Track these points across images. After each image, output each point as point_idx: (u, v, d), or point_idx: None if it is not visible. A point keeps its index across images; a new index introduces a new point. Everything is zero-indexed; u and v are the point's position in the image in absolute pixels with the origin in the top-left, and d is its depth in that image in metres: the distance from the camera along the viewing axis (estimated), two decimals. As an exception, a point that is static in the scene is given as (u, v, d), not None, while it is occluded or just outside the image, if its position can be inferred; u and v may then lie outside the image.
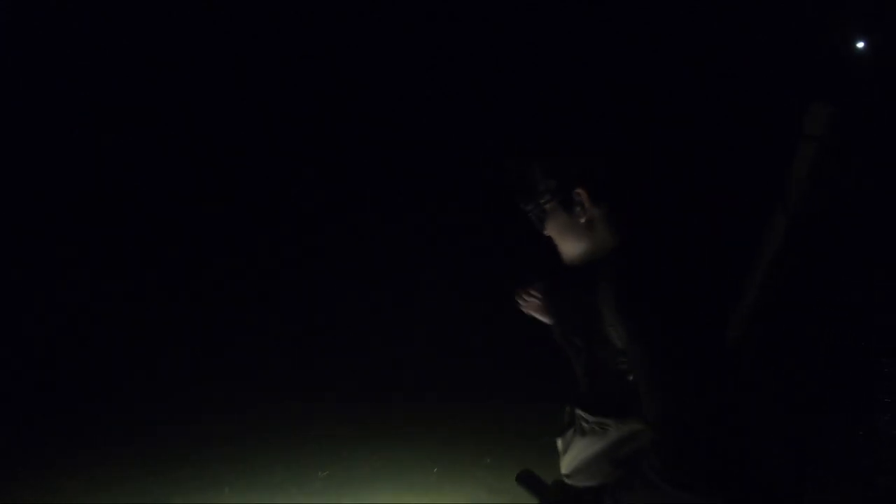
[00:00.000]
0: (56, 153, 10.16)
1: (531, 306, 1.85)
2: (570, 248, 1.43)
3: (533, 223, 1.48)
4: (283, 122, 10.88)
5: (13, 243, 8.99)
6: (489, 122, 9.25)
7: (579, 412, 1.39)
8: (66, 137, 10.27)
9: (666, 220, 1.41)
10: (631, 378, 1.27)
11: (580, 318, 1.45)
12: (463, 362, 6.86)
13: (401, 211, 9.29)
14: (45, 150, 10.10)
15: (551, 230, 1.44)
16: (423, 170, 9.72)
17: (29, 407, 6.19)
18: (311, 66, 10.87)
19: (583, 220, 1.37)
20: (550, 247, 1.49)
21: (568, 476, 1.39)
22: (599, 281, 1.34)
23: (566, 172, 1.39)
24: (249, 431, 5.53)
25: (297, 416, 5.81)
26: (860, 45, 6.87)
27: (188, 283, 8.89)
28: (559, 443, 1.43)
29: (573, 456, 1.37)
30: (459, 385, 6.37)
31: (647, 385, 1.23)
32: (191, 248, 9.49)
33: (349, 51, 10.85)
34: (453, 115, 10.13)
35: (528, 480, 1.32)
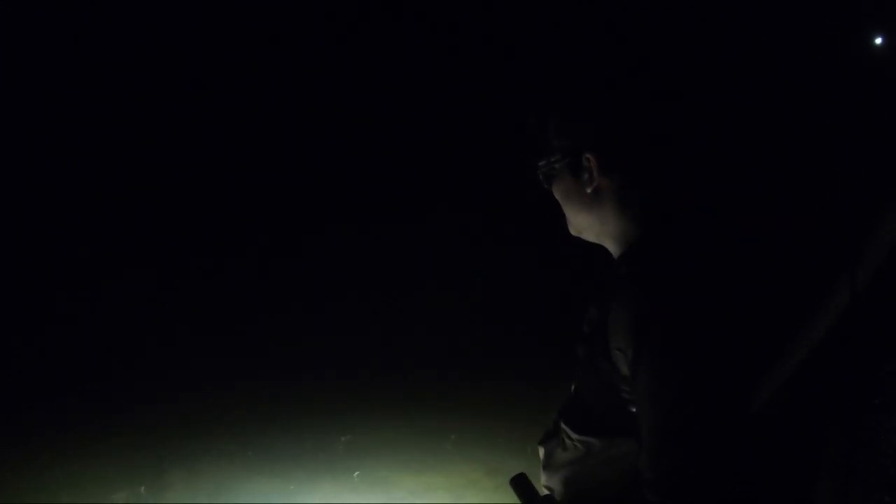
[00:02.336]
0: (54, 152, 10.18)
1: None
2: (573, 215, 1.33)
3: (540, 182, 1.37)
4: (283, 121, 10.90)
5: (11, 243, 9.02)
6: (489, 121, 9.23)
7: (563, 426, 1.29)
8: (64, 137, 10.28)
9: (705, 226, 1.27)
10: (633, 410, 1.14)
11: (587, 326, 1.29)
12: (483, 349, 7.08)
13: (401, 211, 9.33)
14: (43, 149, 10.14)
15: (557, 192, 1.34)
16: (426, 171, 9.74)
17: (28, 407, 6.08)
18: (311, 66, 10.86)
19: (589, 190, 1.26)
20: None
21: (550, 490, 1.32)
22: (614, 286, 1.20)
23: (578, 133, 1.27)
24: (268, 404, 5.74)
25: (315, 392, 6.01)
26: (878, 40, 6.95)
27: (197, 277, 8.91)
28: (541, 451, 1.35)
29: (554, 470, 1.31)
30: (481, 366, 6.67)
31: (649, 434, 1.10)
32: (190, 246, 9.44)
33: (349, 50, 10.80)
34: (454, 116, 10.10)
35: (520, 486, 1.25)
